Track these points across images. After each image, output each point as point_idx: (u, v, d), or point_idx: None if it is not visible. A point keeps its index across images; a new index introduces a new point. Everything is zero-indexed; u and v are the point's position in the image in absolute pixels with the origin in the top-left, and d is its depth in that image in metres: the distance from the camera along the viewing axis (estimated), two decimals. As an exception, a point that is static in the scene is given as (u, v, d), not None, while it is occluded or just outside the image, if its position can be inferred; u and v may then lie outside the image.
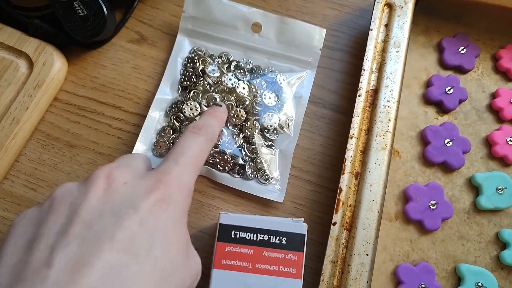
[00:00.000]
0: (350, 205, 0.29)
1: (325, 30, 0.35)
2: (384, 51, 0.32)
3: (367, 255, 0.27)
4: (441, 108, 0.34)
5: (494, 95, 0.35)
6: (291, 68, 0.35)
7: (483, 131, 0.34)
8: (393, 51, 0.32)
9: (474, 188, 0.33)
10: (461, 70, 0.36)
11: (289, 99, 0.34)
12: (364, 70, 0.31)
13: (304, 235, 0.25)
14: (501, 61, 0.36)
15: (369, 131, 0.30)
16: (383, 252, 0.31)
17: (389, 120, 0.30)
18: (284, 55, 0.35)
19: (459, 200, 0.32)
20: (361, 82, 0.31)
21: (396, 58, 0.32)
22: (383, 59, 0.32)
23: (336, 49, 0.36)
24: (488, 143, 0.34)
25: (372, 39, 0.32)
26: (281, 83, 0.34)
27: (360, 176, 0.29)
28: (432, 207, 0.31)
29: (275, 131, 0.32)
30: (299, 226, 0.26)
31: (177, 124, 0.32)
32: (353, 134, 0.30)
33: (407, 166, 0.33)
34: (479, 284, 0.29)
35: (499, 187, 0.32)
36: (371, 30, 0.33)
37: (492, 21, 0.37)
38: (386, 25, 0.33)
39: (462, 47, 0.35)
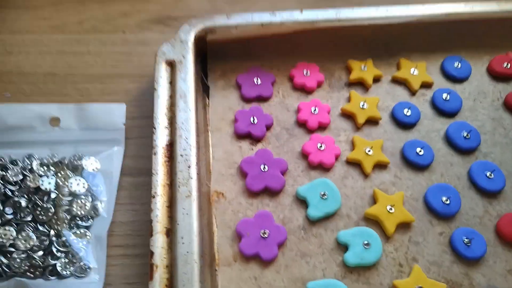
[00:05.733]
0: (166, 266, 0.27)
1: (124, 105, 0.36)
2: (173, 105, 0.33)
3: (190, 313, 0.25)
4: (253, 139, 0.35)
5: (298, 111, 0.37)
6: (98, 150, 0.34)
7: (297, 146, 0.35)
8: (181, 103, 0.33)
9: (303, 202, 0.33)
10: (262, 99, 0.37)
11: (99, 180, 0.33)
12: (155, 128, 0.32)
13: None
14: (295, 79, 0.38)
15: (171, 184, 0.30)
16: (228, 301, 0.29)
17: (189, 167, 0.30)
18: (89, 140, 0.35)
19: (291, 220, 0.32)
20: (155, 141, 0.31)
21: (185, 108, 0.33)
22: (173, 113, 0.33)
23: (143, 117, 0.37)
24: (304, 155, 0.35)
25: (158, 97, 0.33)
26: (87, 167, 0.33)
27: (171, 232, 0.28)
28: (264, 236, 0.30)
29: (88, 217, 0.31)
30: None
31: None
32: (155, 192, 0.29)
33: (234, 204, 0.32)
34: (329, 298, 0.28)
35: (322, 193, 0.32)
36: (156, 90, 0.34)
37: (277, 49, 0.39)
38: (171, 82, 0.34)
39: (256, 78, 0.38)
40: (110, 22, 0.42)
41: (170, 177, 0.30)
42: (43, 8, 0.42)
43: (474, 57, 0.40)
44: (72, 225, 0.31)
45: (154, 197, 0.29)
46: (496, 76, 0.40)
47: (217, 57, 0.39)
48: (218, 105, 0.37)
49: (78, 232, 0.30)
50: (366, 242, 0.30)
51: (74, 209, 0.31)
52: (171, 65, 0.35)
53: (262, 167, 0.33)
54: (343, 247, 0.31)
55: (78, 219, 0.31)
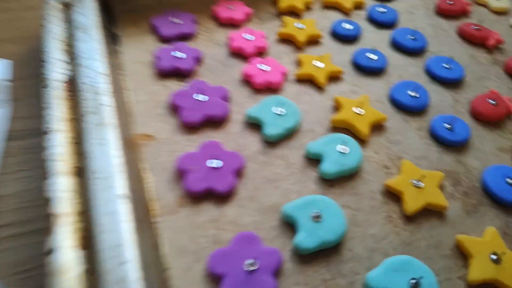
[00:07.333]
0: (79, 214, 0.18)
1: (8, 61, 0.28)
2: (71, 40, 0.26)
3: (121, 264, 0.16)
4: (181, 75, 0.29)
5: (229, 41, 0.31)
6: (-27, 114, 0.25)
7: (236, 74, 0.29)
8: (81, 35, 0.26)
9: (256, 126, 0.26)
10: (185, 37, 0.32)
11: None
12: (45, 62, 0.24)
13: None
14: (221, 14, 0.33)
15: (78, 117, 0.22)
16: (183, 256, 0.21)
17: (96, 93, 0.23)
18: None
19: (247, 146, 0.25)
20: (46, 74, 0.23)
21: (86, 38, 0.26)
22: (72, 47, 0.25)
23: (33, 76, 0.29)
24: (247, 80, 0.29)
25: (49, 32, 0.26)
26: (-44, 133, 0.24)
27: (84, 170, 0.20)
28: (216, 166, 0.23)
29: (-43, 190, 0.21)
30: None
31: None
32: (47, 127, 0.21)
33: (169, 144, 0.25)
34: (315, 214, 0.21)
35: (278, 109, 0.26)
36: (44, 26, 0.26)
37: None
38: (68, 22, 0.27)
39: (175, 18, 0.32)
40: (-16, -8, 0.35)
41: (74, 112, 0.22)
42: None
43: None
44: None
45: (46, 133, 0.21)
46: (421, -9, 0.39)
47: (125, 9, 0.33)
48: (132, 50, 0.30)
49: None
50: (342, 146, 0.24)
51: None
52: (67, 6, 0.28)
53: (199, 97, 0.26)
54: (316, 161, 0.25)
55: None
